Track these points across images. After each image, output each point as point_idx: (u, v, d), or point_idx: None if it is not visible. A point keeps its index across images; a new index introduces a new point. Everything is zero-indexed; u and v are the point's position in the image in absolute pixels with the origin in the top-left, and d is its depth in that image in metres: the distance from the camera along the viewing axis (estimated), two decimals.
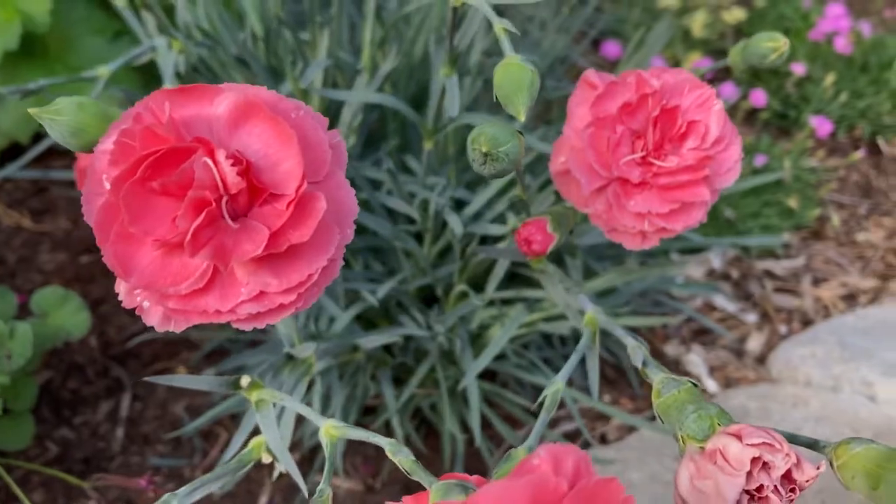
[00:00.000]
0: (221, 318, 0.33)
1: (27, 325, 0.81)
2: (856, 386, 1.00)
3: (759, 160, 1.40)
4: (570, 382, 0.94)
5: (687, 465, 0.42)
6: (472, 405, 0.83)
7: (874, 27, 1.86)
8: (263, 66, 0.95)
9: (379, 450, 0.55)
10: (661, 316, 1.10)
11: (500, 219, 0.86)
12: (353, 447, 0.98)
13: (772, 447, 0.39)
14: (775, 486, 0.38)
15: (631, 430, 0.98)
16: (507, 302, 0.93)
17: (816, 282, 1.32)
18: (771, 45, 0.60)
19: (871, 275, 1.35)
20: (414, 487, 0.39)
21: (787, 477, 0.39)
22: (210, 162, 0.32)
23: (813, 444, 0.44)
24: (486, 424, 0.96)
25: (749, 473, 0.38)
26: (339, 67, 0.96)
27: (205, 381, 0.50)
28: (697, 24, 1.75)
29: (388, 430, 0.94)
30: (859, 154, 1.59)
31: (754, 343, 1.15)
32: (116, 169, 0.32)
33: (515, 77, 0.40)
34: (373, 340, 0.73)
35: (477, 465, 0.95)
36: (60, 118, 0.40)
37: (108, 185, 0.33)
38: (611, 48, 1.63)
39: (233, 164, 0.32)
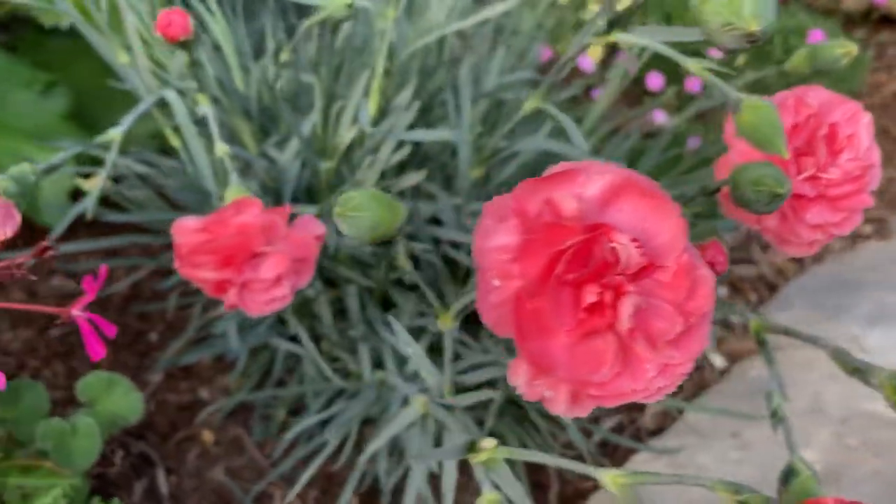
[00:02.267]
0: (635, 398, 0.33)
1: (89, 419, 0.75)
2: (845, 342, 1.10)
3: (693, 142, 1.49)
4: None
5: None
6: None
7: None
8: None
9: None
10: None
11: None
12: None
13: None
14: None
15: (666, 416, 1.03)
16: None
17: (764, 248, 1.43)
18: (842, 51, 0.65)
19: None
20: None
21: None
22: (616, 245, 0.32)
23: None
24: None
25: None
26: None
27: (442, 453, 0.49)
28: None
29: None
30: None
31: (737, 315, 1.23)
32: (523, 265, 0.32)
33: (769, 119, 0.42)
34: None
35: None
36: (362, 214, 0.38)
37: (497, 283, 0.32)
38: None
39: (634, 244, 0.32)
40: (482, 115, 0.96)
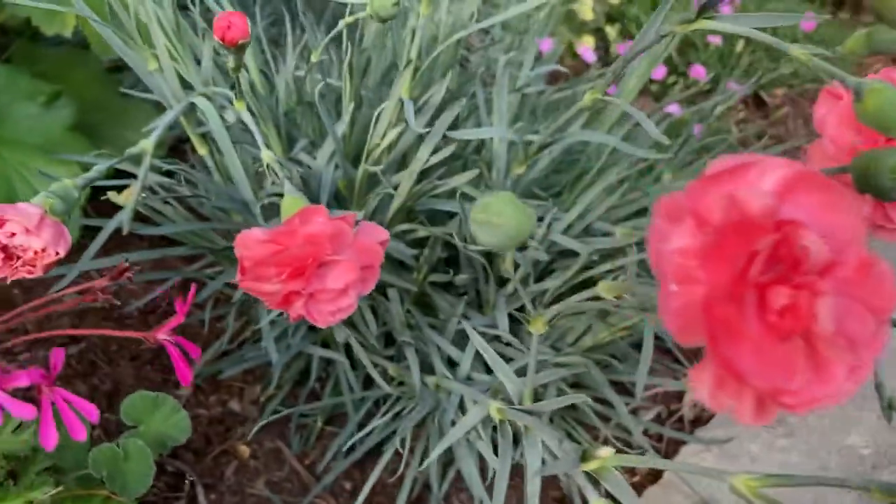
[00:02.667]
0: (826, 403, 0.32)
1: (139, 441, 0.72)
2: None
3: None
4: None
5: None
6: None
7: None
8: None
9: None
10: None
11: None
12: None
13: None
14: None
15: (705, 408, 1.02)
16: None
17: None
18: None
19: None
20: None
21: None
22: (808, 243, 0.30)
23: None
24: None
25: None
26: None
27: (558, 465, 0.48)
28: (587, 8, 1.82)
29: None
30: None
31: None
32: (708, 268, 0.30)
33: (893, 101, 0.41)
34: None
35: None
36: (502, 220, 0.36)
37: (675, 288, 0.31)
38: None
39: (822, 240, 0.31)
40: (515, 110, 0.94)
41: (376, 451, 0.91)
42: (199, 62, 0.85)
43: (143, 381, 1.03)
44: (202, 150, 0.88)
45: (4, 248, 0.58)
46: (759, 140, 1.71)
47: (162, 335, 0.48)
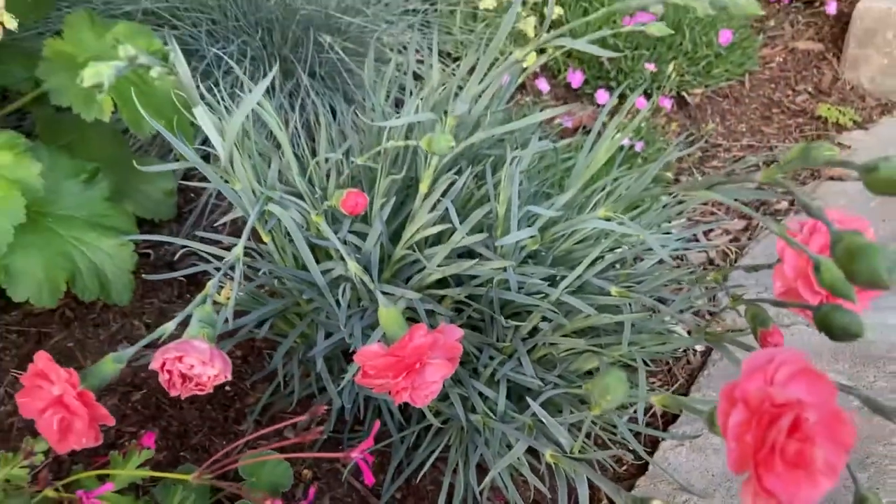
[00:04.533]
0: (814, 499, 0.55)
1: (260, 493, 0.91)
2: None
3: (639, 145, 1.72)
4: None
5: None
6: None
7: None
8: None
9: None
10: None
11: None
12: None
13: None
14: None
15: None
16: None
17: (706, 233, 1.69)
18: (830, 153, 0.88)
19: (735, 217, 1.75)
20: None
21: None
22: (808, 414, 0.53)
23: None
24: None
25: None
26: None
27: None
28: (530, 26, 2.00)
29: None
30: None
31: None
32: (752, 433, 0.52)
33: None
34: None
35: None
36: (615, 397, 0.56)
37: (733, 445, 0.53)
38: None
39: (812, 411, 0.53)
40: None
41: (418, 471, 1.12)
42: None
43: (207, 420, 1.22)
44: (266, 239, 1.05)
45: (183, 376, 0.76)
46: (683, 137, 1.96)
47: (356, 455, 0.68)
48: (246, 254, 1.11)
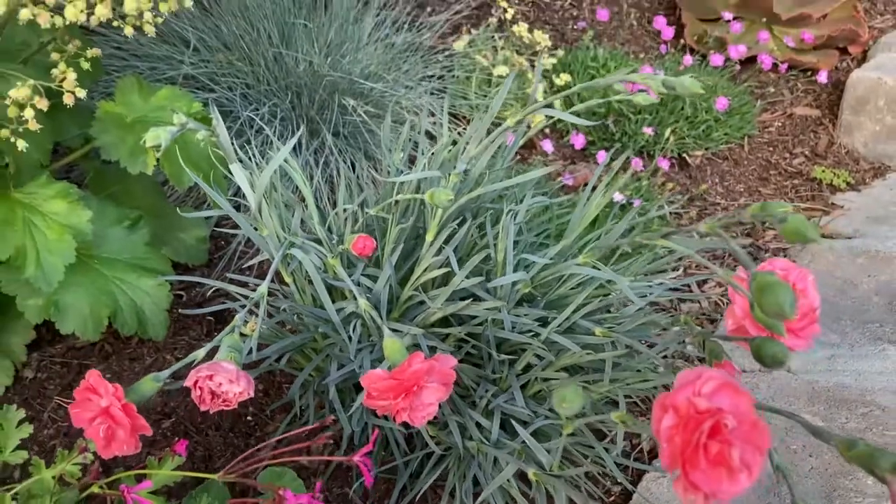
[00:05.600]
0: (738, 494, 0.65)
1: None
2: None
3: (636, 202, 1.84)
4: None
5: None
6: None
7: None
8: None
9: None
10: None
11: None
12: None
13: None
14: None
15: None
16: None
17: (699, 284, 1.80)
18: (784, 210, 1.00)
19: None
20: None
21: None
22: (727, 420, 0.64)
23: None
24: None
25: None
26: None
27: None
28: (540, 92, 2.15)
29: None
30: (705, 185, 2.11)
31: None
32: (680, 435, 0.63)
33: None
34: None
35: None
36: (573, 406, 0.68)
37: (665, 445, 0.64)
38: None
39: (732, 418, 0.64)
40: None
41: (419, 494, 1.23)
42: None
43: (230, 447, 1.33)
44: (288, 279, 1.18)
45: (212, 392, 0.88)
46: (679, 195, 2.08)
47: (357, 458, 0.79)
48: (270, 293, 1.25)
